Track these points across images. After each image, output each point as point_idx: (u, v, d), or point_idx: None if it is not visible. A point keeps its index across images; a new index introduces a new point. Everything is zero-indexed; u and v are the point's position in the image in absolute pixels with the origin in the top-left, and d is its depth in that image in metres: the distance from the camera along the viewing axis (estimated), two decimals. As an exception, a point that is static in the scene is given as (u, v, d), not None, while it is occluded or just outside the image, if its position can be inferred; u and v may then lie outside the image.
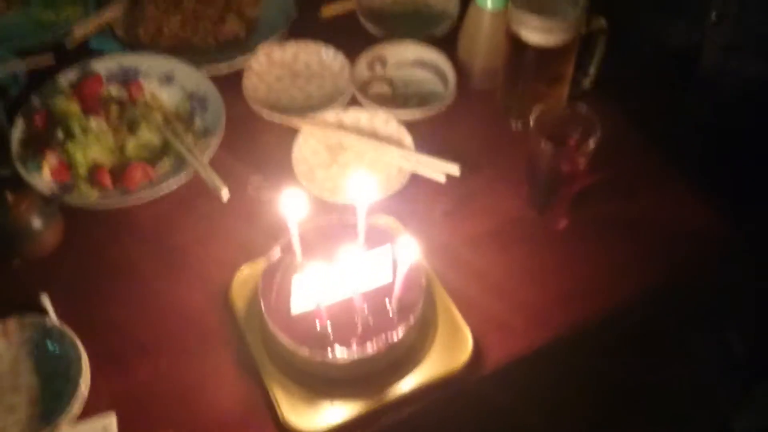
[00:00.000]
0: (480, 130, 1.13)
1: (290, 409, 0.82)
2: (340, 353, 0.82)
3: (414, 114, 1.09)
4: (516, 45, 1.02)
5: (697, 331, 1.16)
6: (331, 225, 0.92)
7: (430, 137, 1.10)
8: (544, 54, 1.01)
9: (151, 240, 1.00)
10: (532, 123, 0.95)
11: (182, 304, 0.94)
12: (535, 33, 0.99)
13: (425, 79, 1.17)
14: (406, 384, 0.85)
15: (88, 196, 1.00)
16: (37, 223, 0.94)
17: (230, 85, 1.14)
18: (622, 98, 1.14)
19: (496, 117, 1.13)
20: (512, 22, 1.01)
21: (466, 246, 0.99)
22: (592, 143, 0.92)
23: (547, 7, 0.99)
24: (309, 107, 1.14)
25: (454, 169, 1.02)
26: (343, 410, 0.83)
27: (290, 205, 0.84)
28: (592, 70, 1.10)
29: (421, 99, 1.15)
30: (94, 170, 1.02)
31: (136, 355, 0.90)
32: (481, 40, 1.11)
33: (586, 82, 1.11)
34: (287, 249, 0.89)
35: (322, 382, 0.84)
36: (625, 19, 1.11)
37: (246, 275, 0.93)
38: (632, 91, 1.15)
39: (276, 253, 0.89)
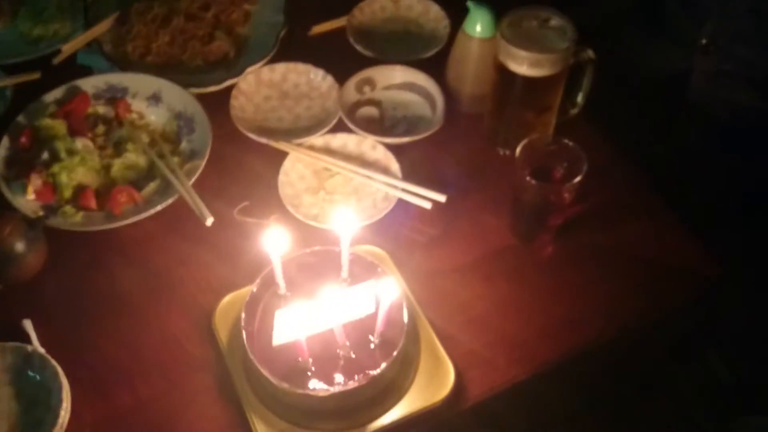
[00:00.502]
0: (467, 155, 1.13)
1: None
2: (321, 387, 0.82)
3: (401, 140, 1.09)
4: (504, 74, 1.02)
5: (682, 360, 1.17)
6: (315, 255, 0.92)
7: (417, 161, 1.10)
8: (532, 84, 1.01)
9: (136, 263, 1.00)
10: (517, 154, 0.95)
11: (165, 330, 0.94)
12: (523, 65, 0.99)
13: (414, 102, 1.17)
14: (388, 417, 0.85)
15: (73, 218, 0.99)
16: (20, 246, 0.94)
17: (218, 104, 1.13)
18: (609, 125, 1.14)
19: (483, 142, 1.13)
20: (500, 53, 1.01)
21: (450, 276, 0.99)
22: (578, 179, 0.92)
23: (536, 38, 0.99)
24: (297, 129, 1.14)
25: (440, 197, 1.02)
26: (325, 445, 0.83)
27: (272, 242, 0.84)
28: (579, 98, 1.10)
29: (410, 122, 1.15)
30: (79, 192, 1.01)
31: (117, 383, 0.90)
32: (470, 65, 1.11)
33: (574, 110, 1.12)
34: (270, 280, 0.89)
35: (303, 414, 0.85)
36: (613, 47, 1.12)
37: (230, 303, 0.93)
38: (620, 119, 1.16)
39: (259, 284, 0.89)
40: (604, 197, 1.05)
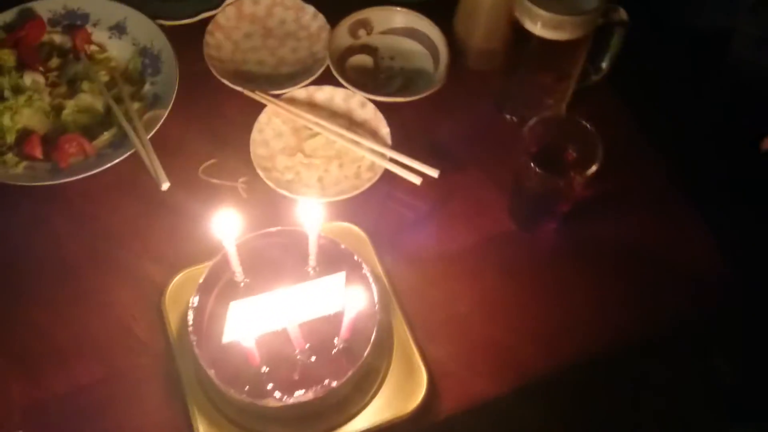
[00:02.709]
0: (469, 119, 0.99)
1: (214, 449, 0.74)
2: (273, 397, 0.72)
3: (396, 99, 0.95)
4: (518, 33, 0.87)
5: (683, 361, 1.06)
6: (282, 236, 0.81)
7: (411, 123, 0.97)
8: (550, 47, 0.86)
9: (83, 224, 0.89)
10: (524, 134, 0.81)
11: (110, 306, 0.83)
12: (542, 26, 0.84)
13: (414, 51, 1.02)
14: (349, 428, 0.76)
15: (14, 169, 0.88)
16: (-50, 199, 0.83)
17: (190, 40, 0.99)
18: (632, 95, 1.00)
19: (489, 106, 0.99)
20: (516, 8, 0.86)
21: (435, 264, 0.87)
22: (591, 170, 0.79)
23: (560, -6, 0.84)
24: (278, 76, 1.00)
25: (432, 172, 0.90)
26: (275, 454, 0.74)
27: (223, 226, 0.72)
28: (604, 64, 0.95)
29: (407, 76, 1.01)
30: (24, 137, 0.89)
31: (53, 364, 0.80)
32: (481, 15, 0.96)
33: (596, 77, 0.97)
34: (227, 264, 0.78)
35: (252, 419, 0.75)
36: (646, 6, 0.96)
37: (183, 282, 0.82)
38: (647, 86, 1.01)
39: (212, 269, 0.78)
40: (617, 182, 0.93)
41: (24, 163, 0.88)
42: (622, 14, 0.88)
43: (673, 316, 0.87)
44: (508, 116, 0.98)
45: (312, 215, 0.74)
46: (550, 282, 0.87)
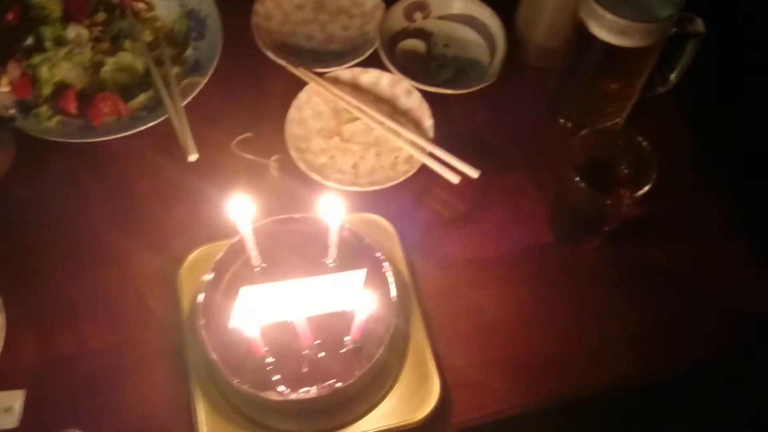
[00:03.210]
0: (519, 119, 0.93)
1: (211, 435, 0.72)
2: (276, 390, 0.69)
3: (444, 91, 0.90)
4: (582, 35, 0.81)
5: (718, 389, 1.00)
6: (305, 223, 0.77)
7: (457, 117, 0.92)
8: (615, 53, 0.80)
9: (110, 186, 0.87)
10: (573, 145, 0.76)
11: (128, 274, 0.82)
12: (608, 30, 0.78)
13: (471, 41, 0.97)
14: (354, 429, 0.72)
15: (47, 123, 0.86)
16: (-20, 145, 0.82)
17: (239, 6, 0.96)
18: (701, 114, 0.93)
19: (542, 107, 0.94)
20: (581, 8, 0.79)
21: (464, 270, 0.83)
22: (642, 191, 0.73)
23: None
24: (325, 53, 0.96)
25: (473, 172, 0.85)
26: (272, 448, 0.72)
27: (238, 210, 0.69)
28: (673, 76, 0.88)
29: (460, 66, 0.96)
30: (60, 91, 0.88)
31: (63, 323, 0.79)
32: (545, 12, 0.90)
33: (662, 89, 0.90)
34: (244, 247, 0.75)
35: (255, 408, 0.73)
36: (726, 17, 0.88)
37: (200, 258, 0.79)
38: (716, 108, 0.93)
39: (229, 250, 0.75)
40: (671, 206, 0.87)
41: (57, 118, 0.87)
42: (699, 25, 0.81)
43: (710, 355, 0.81)
44: (561, 121, 0.92)
45: (335, 209, 0.70)
46: (584, 303, 0.82)
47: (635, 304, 0.82)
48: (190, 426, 0.72)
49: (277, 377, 0.70)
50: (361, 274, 0.73)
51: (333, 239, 0.73)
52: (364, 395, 0.73)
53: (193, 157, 0.83)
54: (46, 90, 0.87)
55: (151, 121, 0.86)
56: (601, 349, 0.79)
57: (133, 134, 0.86)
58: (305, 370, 0.71)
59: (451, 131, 0.90)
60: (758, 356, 0.82)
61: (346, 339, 0.72)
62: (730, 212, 0.87)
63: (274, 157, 0.87)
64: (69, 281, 0.81)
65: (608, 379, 0.78)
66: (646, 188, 0.73)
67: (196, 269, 0.79)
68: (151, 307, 0.80)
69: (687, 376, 0.83)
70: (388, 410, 0.73)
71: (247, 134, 0.89)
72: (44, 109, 0.87)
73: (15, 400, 0.74)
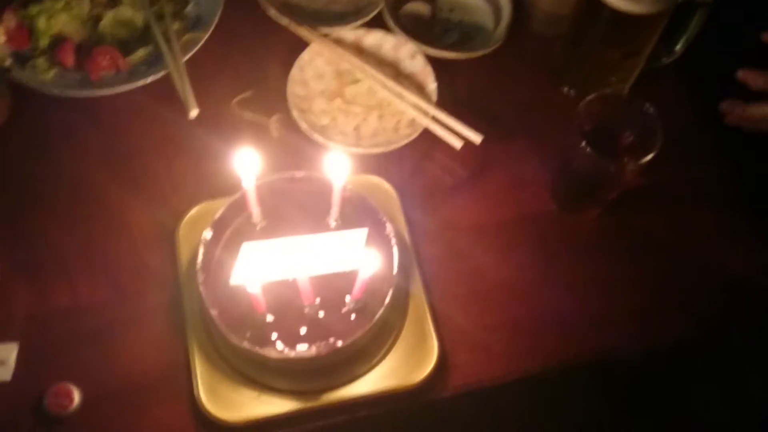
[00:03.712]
0: (523, 87, 0.92)
1: (208, 391, 0.71)
2: (275, 348, 0.69)
3: (448, 54, 0.89)
4: (590, 1, 0.80)
5: (714, 374, 1.00)
6: (307, 182, 0.76)
7: (460, 83, 0.91)
8: (621, 20, 0.79)
9: (109, 141, 0.86)
10: (579, 110, 0.75)
11: (125, 229, 0.80)
12: (617, -6, 0.77)
13: (476, 6, 0.96)
14: (348, 391, 0.72)
15: (44, 75, 0.84)
16: (-25, 96, 0.80)
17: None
18: (705, 85, 0.92)
19: (547, 75, 0.93)
20: (592, -28, 0.79)
21: (466, 234, 0.82)
22: (647, 158, 0.73)
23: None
24: (329, 13, 0.94)
25: (476, 137, 0.84)
26: (270, 407, 0.71)
27: (245, 165, 0.68)
28: (678, 46, 0.88)
29: (464, 31, 0.94)
30: (58, 43, 0.86)
31: (57, 275, 0.78)
32: (553, -24, 0.89)
33: (668, 59, 0.89)
34: (245, 204, 0.74)
35: (253, 366, 0.72)
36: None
37: (199, 215, 0.79)
38: (721, 80, 0.93)
39: (230, 205, 0.74)
40: (674, 176, 0.86)
41: (54, 70, 0.85)
42: (708, -7, 0.81)
43: (708, 326, 0.81)
44: (565, 89, 0.91)
45: (339, 167, 0.69)
46: (585, 271, 0.81)
47: (636, 272, 0.82)
48: (186, 382, 0.72)
49: (276, 335, 0.70)
50: (362, 233, 0.73)
51: (336, 198, 0.72)
52: (363, 356, 0.73)
53: (193, 114, 0.82)
54: (44, 42, 0.86)
55: (149, 76, 0.84)
56: (600, 316, 0.79)
57: (132, 89, 0.85)
58: (305, 328, 0.70)
59: (455, 96, 0.89)
60: (754, 328, 0.82)
61: (347, 298, 0.71)
62: (731, 184, 0.87)
63: (274, 117, 0.86)
64: (64, 235, 0.80)
65: (608, 345, 0.78)
66: (651, 155, 0.73)
67: (195, 225, 0.78)
68: (148, 263, 0.79)
69: (687, 348, 0.83)
70: (387, 372, 0.73)
71: (248, 93, 0.88)
72: (41, 61, 0.85)
73: (9, 353, 0.73)
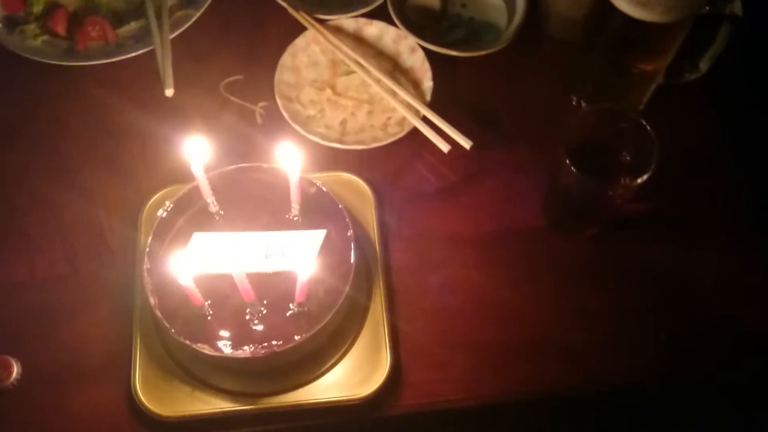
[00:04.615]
0: (529, 93, 0.86)
1: (144, 381, 0.68)
2: (211, 344, 0.65)
3: (451, 52, 0.84)
4: (601, 4, 0.73)
5: (721, 412, 0.91)
6: (273, 174, 0.72)
7: (462, 82, 0.86)
8: (636, 28, 0.72)
9: (88, 113, 0.84)
10: (570, 120, 0.69)
11: (90, 207, 0.78)
12: (628, 1, 0.70)
13: (490, 3, 0.90)
14: (290, 398, 0.68)
15: (32, 41, 0.83)
16: (-40, 58, 0.79)
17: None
18: (730, 107, 0.84)
19: (555, 82, 0.86)
20: (603, -27, 0.72)
21: (444, 245, 0.77)
22: (639, 181, 0.66)
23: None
24: (331, -1, 0.90)
25: (465, 143, 0.78)
26: (204, 405, 0.67)
27: (193, 152, 0.64)
28: (703, 63, 0.80)
29: (472, 29, 0.89)
30: (51, 9, 0.84)
31: (19, 249, 0.76)
32: (571, -23, 0.82)
33: (691, 75, 0.81)
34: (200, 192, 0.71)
35: (192, 363, 0.69)
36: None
37: (163, 199, 0.75)
38: (748, 102, 0.84)
39: (187, 193, 0.71)
40: (685, 204, 0.79)
41: (44, 38, 0.84)
42: (735, 7, 0.73)
43: (704, 370, 0.73)
44: (574, 99, 0.84)
45: (291, 159, 0.65)
46: (570, 298, 0.74)
47: (626, 306, 0.74)
48: (126, 370, 0.69)
49: (217, 332, 0.67)
50: (320, 234, 0.68)
51: (294, 192, 0.68)
52: (309, 363, 0.68)
53: (169, 92, 0.79)
54: (37, 8, 0.85)
55: (136, 51, 0.82)
56: (576, 348, 0.72)
57: (119, 65, 0.83)
58: (245, 328, 0.67)
59: (453, 97, 0.83)
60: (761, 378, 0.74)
61: (291, 305, 0.67)
62: (744, 217, 0.79)
63: (261, 104, 0.83)
64: (28, 204, 0.79)
65: (580, 382, 0.71)
66: (644, 178, 0.66)
67: (158, 210, 0.75)
68: (109, 244, 0.77)
69: (671, 391, 0.75)
70: (334, 382, 0.69)
71: (238, 77, 0.85)
72: (32, 27, 0.84)
73: (-45, 320, 0.72)
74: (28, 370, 0.70)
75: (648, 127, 0.67)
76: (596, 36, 0.78)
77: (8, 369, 0.69)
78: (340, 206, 0.71)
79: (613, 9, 0.72)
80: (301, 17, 0.86)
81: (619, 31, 0.74)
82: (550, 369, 0.72)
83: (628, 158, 0.71)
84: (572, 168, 0.66)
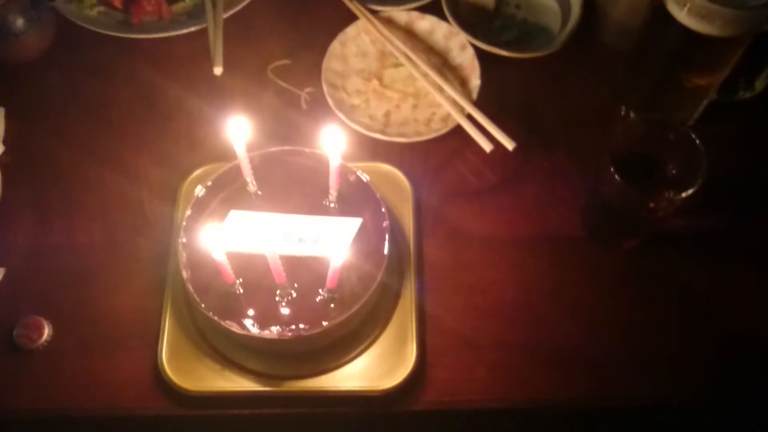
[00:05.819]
0: (578, 100, 0.85)
1: (170, 354, 0.69)
2: (240, 322, 0.66)
3: (501, 52, 0.83)
4: (659, 15, 0.72)
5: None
6: (314, 159, 0.73)
7: (510, 83, 0.85)
8: (693, 40, 0.70)
9: (139, 85, 0.85)
10: (616, 129, 0.68)
11: (133, 177, 0.80)
12: (688, 11, 0.68)
13: (545, 5, 0.89)
14: (313, 383, 0.68)
15: (87, 11, 0.85)
16: (18, 24, 0.81)
17: None
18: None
19: (606, 91, 0.84)
20: (663, -17, 0.70)
21: (477, 246, 0.76)
22: (685, 194, 0.64)
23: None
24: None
25: (508, 143, 0.78)
26: (224, 380, 0.68)
27: (236, 131, 0.65)
28: (759, 81, 0.78)
29: (525, 31, 0.88)
30: (110, -18, 0.86)
31: (60, 208, 0.78)
32: (630, -14, 0.81)
33: (746, 93, 0.80)
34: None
35: (218, 339, 0.69)
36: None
37: (204, 175, 0.76)
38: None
39: (228, 171, 0.72)
40: (728, 222, 0.77)
41: (100, 8, 0.85)
42: (800, 24, 0.71)
43: (726, 401, 0.71)
44: (623, 109, 0.83)
45: (335, 144, 0.65)
46: (601, 310, 0.73)
47: (655, 323, 0.73)
48: (154, 341, 0.70)
49: (249, 311, 0.67)
50: (355, 223, 0.68)
51: (333, 177, 0.68)
52: (334, 350, 0.68)
53: (218, 71, 0.80)
54: (96, -22, 0.86)
55: (188, 28, 0.83)
56: (604, 361, 0.71)
57: (170, 41, 0.84)
58: (278, 309, 0.67)
59: (500, 97, 0.83)
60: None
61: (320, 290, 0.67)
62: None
63: (307, 89, 0.83)
64: (75, 172, 0.80)
65: (603, 395, 0.70)
66: (689, 192, 0.64)
67: (197, 186, 0.75)
68: (146, 215, 0.78)
69: (698, 413, 0.74)
70: (357, 372, 0.69)
71: (286, 61, 0.85)
72: (89, -2, 0.85)
73: (-7, 277, 0.74)
74: (59, 333, 0.71)
75: (697, 141, 0.66)
76: (651, 46, 0.76)
77: (39, 330, 0.71)
78: (377, 196, 0.70)
79: (671, 20, 0.70)
80: (353, 6, 0.86)
81: (675, 43, 0.73)
82: (576, 379, 0.70)
83: (674, 171, 0.69)
84: (616, 176, 0.65)
